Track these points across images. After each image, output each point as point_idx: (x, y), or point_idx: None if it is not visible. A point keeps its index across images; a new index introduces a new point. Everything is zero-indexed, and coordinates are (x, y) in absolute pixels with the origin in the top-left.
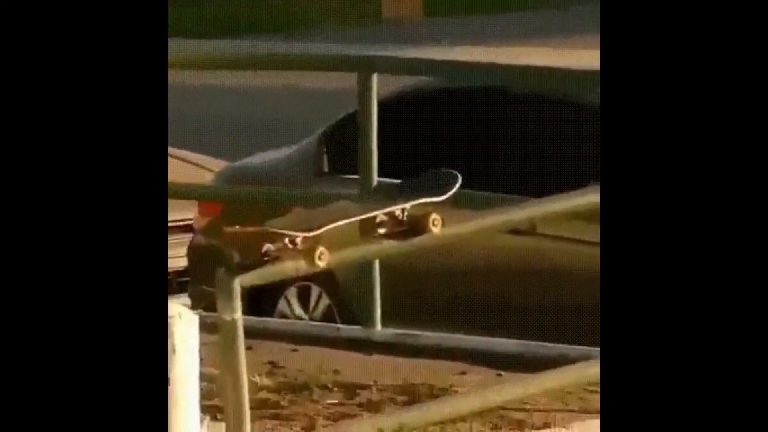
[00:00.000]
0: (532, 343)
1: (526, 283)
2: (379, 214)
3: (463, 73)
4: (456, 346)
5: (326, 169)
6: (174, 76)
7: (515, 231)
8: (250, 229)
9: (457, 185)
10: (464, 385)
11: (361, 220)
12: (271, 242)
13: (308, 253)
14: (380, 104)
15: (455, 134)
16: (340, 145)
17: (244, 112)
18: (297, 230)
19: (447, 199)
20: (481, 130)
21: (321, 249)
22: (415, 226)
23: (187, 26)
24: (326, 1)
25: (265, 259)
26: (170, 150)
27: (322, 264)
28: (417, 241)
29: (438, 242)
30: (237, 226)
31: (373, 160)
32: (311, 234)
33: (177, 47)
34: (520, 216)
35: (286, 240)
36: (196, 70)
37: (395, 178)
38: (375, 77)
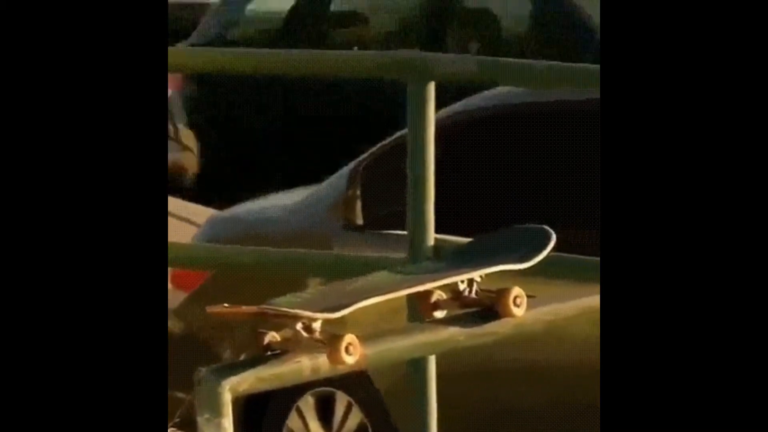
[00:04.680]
0: None
1: None
2: (436, 289)
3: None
4: None
5: (359, 221)
6: None
7: None
8: (246, 308)
9: (550, 246)
10: None
11: (410, 298)
12: (277, 328)
13: (332, 344)
14: (436, 129)
15: (546, 173)
16: (380, 187)
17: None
18: (315, 310)
19: (534, 266)
20: (584, 168)
21: (350, 339)
22: (488, 307)
23: None
24: None
25: (268, 353)
26: None
27: (351, 361)
28: (491, 328)
29: (522, 330)
30: (225, 305)
31: (428, 209)
32: (335, 316)
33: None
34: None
35: (299, 325)
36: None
37: (460, 235)
38: (432, 88)
